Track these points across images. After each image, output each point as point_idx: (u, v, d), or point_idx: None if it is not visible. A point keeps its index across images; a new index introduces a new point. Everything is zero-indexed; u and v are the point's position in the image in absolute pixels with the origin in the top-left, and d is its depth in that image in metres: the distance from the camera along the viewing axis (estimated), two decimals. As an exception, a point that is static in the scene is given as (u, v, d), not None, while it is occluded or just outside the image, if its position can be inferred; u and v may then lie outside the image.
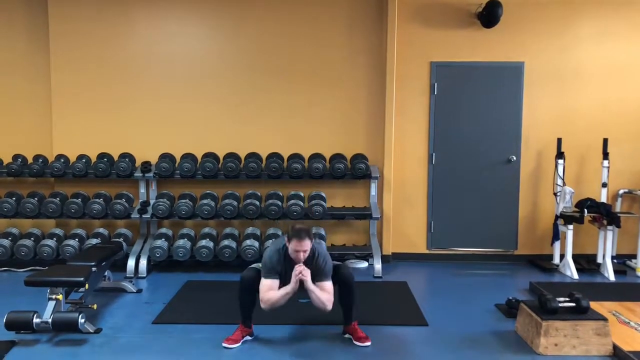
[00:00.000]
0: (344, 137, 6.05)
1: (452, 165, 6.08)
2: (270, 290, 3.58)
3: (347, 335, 3.83)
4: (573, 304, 3.64)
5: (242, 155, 5.90)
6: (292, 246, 3.57)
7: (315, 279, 3.60)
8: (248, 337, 3.79)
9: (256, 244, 5.44)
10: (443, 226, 6.13)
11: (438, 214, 6.13)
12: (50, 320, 3.69)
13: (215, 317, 4.22)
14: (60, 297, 3.85)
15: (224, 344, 3.68)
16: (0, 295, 4.82)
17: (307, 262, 3.61)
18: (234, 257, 5.41)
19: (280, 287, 3.62)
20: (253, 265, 3.87)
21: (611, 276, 5.41)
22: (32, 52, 6.05)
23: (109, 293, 4.77)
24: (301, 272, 3.52)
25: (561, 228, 5.70)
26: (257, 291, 3.66)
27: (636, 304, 4.39)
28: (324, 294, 3.59)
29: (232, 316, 4.21)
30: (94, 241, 5.49)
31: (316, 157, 5.88)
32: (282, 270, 3.64)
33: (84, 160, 5.87)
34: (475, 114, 6.04)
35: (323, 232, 5.76)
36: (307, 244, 3.55)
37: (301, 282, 3.54)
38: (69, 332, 3.77)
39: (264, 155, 5.93)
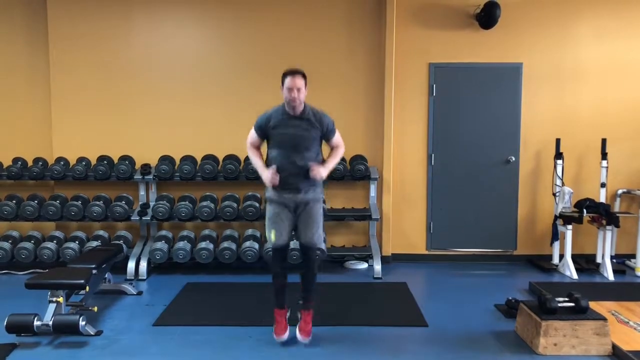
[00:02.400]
0: (343, 138, 6.01)
1: (451, 166, 6.09)
2: (252, 145, 3.78)
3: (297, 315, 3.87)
4: (572, 304, 3.65)
5: (242, 157, 5.90)
6: (285, 85, 3.55)
7: (328, 138, 3.75)
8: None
9: (256, 245, 5.45)
10: (442, 227, 6.14)
11: (437, 215, 6.14)
12: (51, 323, 3.70)
13: (215, 319, 4.23)
14: (61, 299, 3.86)
15: (276, 338, 3.73)
16: (0, 298, 4.84)
17: (313, 120, 3.63)
18: (233, 259, 5.42)
19: (274, 141, 3.67)
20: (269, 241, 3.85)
21: (610, 276, 5.42)
22: (31, 55, 6.06)
23: (109, 295, 4.78)
24: (319, 171, 3.58)
25: (560, 228, 5.71)
26: (287, 262, 3.80)
27: (635, 303, 4.40)
28: (339, 152, 3.80)
29: (232, 317, 4.24)
30: (94, 244, 5.49)
31: (315, 158, 5.89)
32: (277, 124, 3.64)
33: (83, 162, 5.88)
34: (474, 115, 6.05)
35: (323, 234, 5.77)
36: (300, 81, 3.53)
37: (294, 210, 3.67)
38: (69, 335, 3.78)
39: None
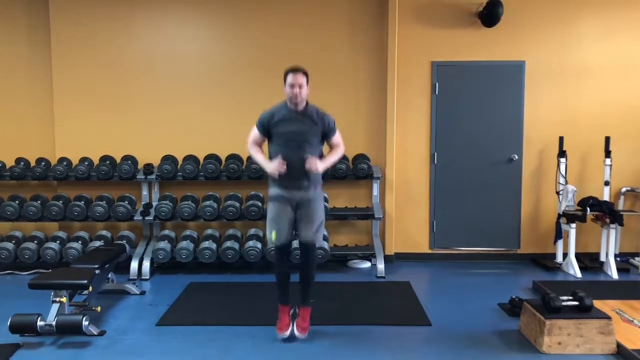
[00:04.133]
0: (345, 137, 5.86)
1: (454, 165, 6.08)
2: (254, 142, 3.82)
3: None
4: (576, 303, 3.64)
5: (244, 156, 5.90)
6: (287, 82, 3.61)
7: (328, 137, 3.76)
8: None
9: (259, 245, 5.44)
10: (445, 226, 6.13)
11: (440, 214, 6.13)
12: (54, 323, 3.70)
13: (218, 319, 4.22)
14: (64, 299, 3.86)
15: (278, 333, 3.77)
16: (4, 298, 4.84)
17: (314, 118, 3.67)
18: (236, 259, 5.42)
19: (276, 137, 3.69)
20: (270, 240, 3.88)
21: (614, 274, 5.41)
22: (33, 55, 6.06)
23: (112, 295, 4.78)
24: (315, 164, 3.59)
25: (564, 227, 5.70)
26: (290, 261, 3.82)
27: (640, 302, 4.39)
28: (340, 150, 3.82)
29: (235, 317, 4.24)
30: (97, 244, 5.49)
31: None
32: (279, 120, 3.67)
33: (86, 162, 5.88)
34: (477, 113, 6.03)
35: (326, 233, 5.76)
36: (301, 78, 3.59)
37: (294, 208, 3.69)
38: (73, 335, 3.78)
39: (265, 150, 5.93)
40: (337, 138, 3.83)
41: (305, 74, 3.64)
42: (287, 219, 3.71)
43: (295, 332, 3.78)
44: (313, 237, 3.74)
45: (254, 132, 3.81)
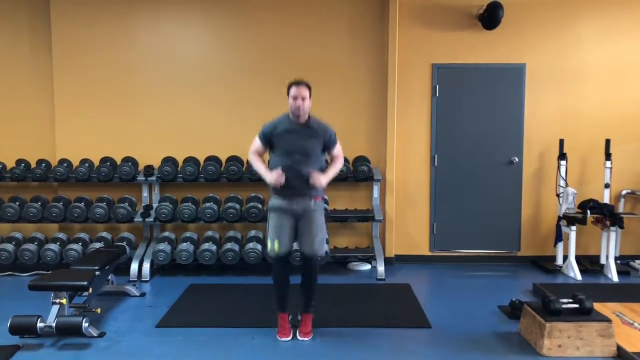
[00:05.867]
0: (346, 140, 5.94)
1: (454, 167, 6.08)
2: (255, 152, 3.87)
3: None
4: (576, 305, 3.63)
5: (244, 158, 5.89)
6: (291, 95, 3.67)
7: (329, 149, 3.82)
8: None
9: (259, 246, 5.45)
10: (446, 228, 6.13)
11: (441, 216, 6.13)
12: (54, 325, 3.70)
13: (218, 320, 4.22)
14: (64, 301, 3.86)
15: (279, 338, 3.81)
16: (4, 299, 4.85)
17: (316, 130, 3.73)
18: (237, 260, 5.42)
19: (279, 148, 3.74)
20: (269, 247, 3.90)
21: (615, 277, 5.40)
22: (34, 57, 6.07)
23: (112, 297, 4.78)
24: (319, 177, 3.64)
25: (564, 229, 5.69)
26: (289, 268, 3.85)
27: (640, 304, 4.38)
28: (338, 163, 3.85)
29: (236, 319, 4.24)
30: (97, 245, 5.49)
31: (318, 159, 5.88)
32: (282, 131, 3.73)
33: (86, 164, 5.89)
34: (477, 116, 6.04)
35: (327, 235, 5.76)
36: (304, 91, 3.66)
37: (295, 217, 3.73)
38: (72, 336, 3.78)
39: (266, 159, 5.92)
40: (337, 150, 3.89)
41: (308, 87, 3.71)
42: (288, 229, 3.75)
43: (299, 337, 3.82)
44: (315, 250, 3.77)
45: (256, 143, 3.86)
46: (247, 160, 5.79)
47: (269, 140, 3.80)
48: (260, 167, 3.84)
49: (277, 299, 3.88)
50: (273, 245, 3.76)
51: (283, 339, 3.81)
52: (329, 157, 3.94)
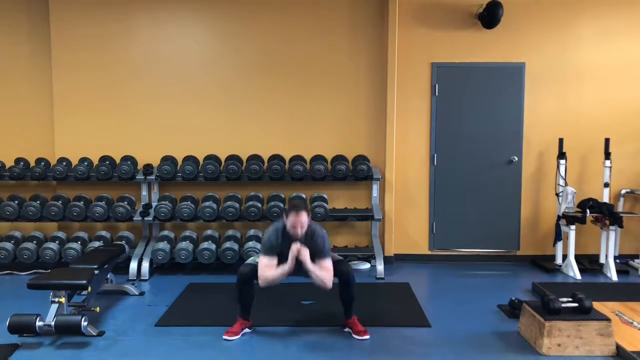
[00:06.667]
0: (345, 139, 6.06)
1: (453, 166, 6.08)
2: (268, 268, 3.70)
3: (346, 329, 3.93)
4: (576, 305, 3.63)
5: (244, 157, 5.90)
6: (289, 220, 3.68)
7: (315, 257, 3.70)
8: (247, 330, 3.91)
9: (258, 245, 5.44)
10: (445, 227, 6.13)
11: (440, 215, 6.13)
12: (53, 323, 3.69)
13: (217, 319, 4.21)
14: (63, 300, 3.85)
15: (224, 337, 3.80)
16: (3, 298, 4.85)
17: (305, 241, 3.71)
18: (236, 259, 5.41)
19: (278, 264, 3.71)
20: (249, 261, 3.96)
21: (614, 276, 5.40)
22: (33, 56, 6.06)
23: (111, 296, 4.77)
24: (299, 250, 3.63)
25: (563, 228, 5.70)
26: (254, 285, 3.79)
27: (639, 304, 4.38)
28: (324, 272, 3.69)
29: (234, 318, 4.22)
30: (96, 244, 5.49)
31: (318, 158, 5.89)
32: (281, 249, 3.73)
33: (85, 163, 5.88)
34: (477, 115, 6.04)
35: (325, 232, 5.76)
36: (303, 217, 3.67)
37: (299, 261, 3.65)
38: (71, 335, 3.77)
39: (265, 157, 5.93)
40: (326, 263, 3.72)
41: (306, 210, 3.73)
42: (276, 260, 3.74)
43: (359, 338, 3.83)
44: (348, 270, 3.83)
45: (266, 260, 3.73)
46: (247, 159, 5.83)
47: (276, 249, 3.75)
48: (279, 270, 3.71)
49: (241, 305, 3.87)
50: (258, 260, 3.78)
51: (227, 337, 3.81)
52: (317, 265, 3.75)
